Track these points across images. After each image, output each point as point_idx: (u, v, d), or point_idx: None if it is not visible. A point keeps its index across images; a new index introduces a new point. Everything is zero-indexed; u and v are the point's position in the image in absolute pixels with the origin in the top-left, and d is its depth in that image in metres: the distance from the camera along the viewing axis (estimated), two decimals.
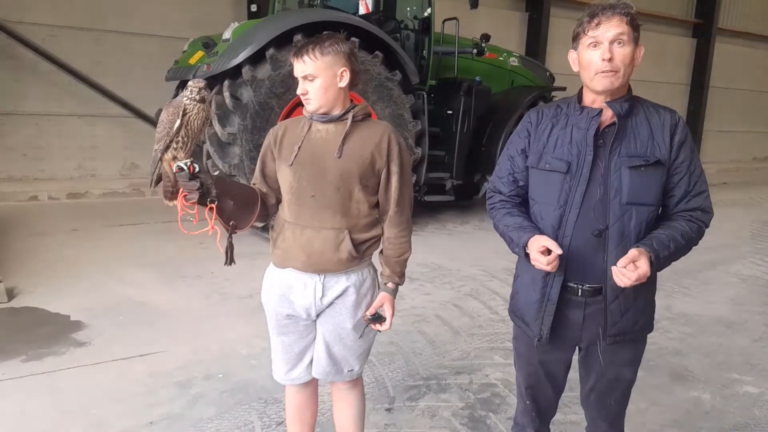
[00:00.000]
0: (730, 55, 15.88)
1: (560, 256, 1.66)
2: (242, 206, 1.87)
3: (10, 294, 4.14)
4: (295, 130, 1.95)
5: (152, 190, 8.79)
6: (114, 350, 3.39)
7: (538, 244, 1.65)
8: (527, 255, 1.70)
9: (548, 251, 1.63)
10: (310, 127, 1.92)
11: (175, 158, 1.66)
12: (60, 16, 7.72)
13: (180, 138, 1.64)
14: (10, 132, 7.65)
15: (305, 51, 1.81)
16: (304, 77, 1.83)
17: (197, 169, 1.67)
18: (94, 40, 7.99)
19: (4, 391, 2.91)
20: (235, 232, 1.85)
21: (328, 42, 1.83)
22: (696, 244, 1.73)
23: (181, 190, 1.66)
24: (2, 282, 4.14)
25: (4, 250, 5.21)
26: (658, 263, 1.60)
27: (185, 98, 1.65)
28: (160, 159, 1.67)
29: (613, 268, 1.58)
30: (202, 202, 1.69)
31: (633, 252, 1.58)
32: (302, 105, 1.96)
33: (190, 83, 1.67)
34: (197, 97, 1.64)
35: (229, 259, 1.88)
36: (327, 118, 1.89)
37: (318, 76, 1.82)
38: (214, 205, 1.72)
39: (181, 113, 1.63)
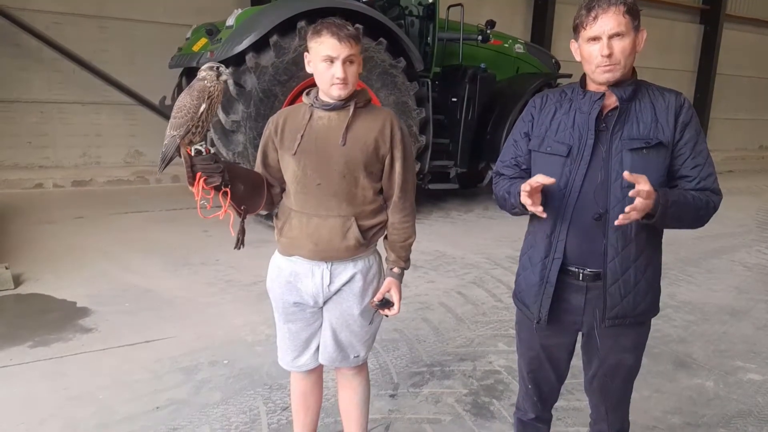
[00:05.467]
0: (737, 41, 15.73)
1: (560, 240, 1.68)
2: (251, 190, 1.89)
3: (17, 281, 4.17)
4: (296, 118, 1.93)
5: (157, 178, 8.78)
6: (120, 336, 3.42)
7: (532, 180, 1.61)
8: (523, 206, 1.67)
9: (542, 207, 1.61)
10: (311, 115, 1.90)
11: (191, 143, 1.66)
12: (63, 3, 7.70)
13: (200, 122, 1.64)
14: (15, 119, 7.66)
15: (347, 33, 1.78)
16: (347, 59, 1.79)
17: (212, 152, 1.68)
18: (98, 27, 7.98)
19: (12, 377, 2.94)
20: (246, 216, 1.88)
21: (352, 27, 1.82)
22: (703, 217, 1.68)
23: (199, 174, 1.66)
24: (9, 269, 4.16)
25: (11, 238, 5.25)
26: (665, 204, 1.55)
27: (206, 82, 1.64)
28: (179, 144, 1.66)
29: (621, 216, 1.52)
30: (216, 186, 1.70)
31: (641, 176, 1.50)
32: (304, 93, 1.96)
33: (206, 65, 1.67)
34: (218, 79, 1.65)
35: (240, 243, 1.92)
36: (330, 106, 1.88)
37: (356, 61, 1.82)
38: (228, 189, 1.73)
39: (206, 97, 1.63)
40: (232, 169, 1.79)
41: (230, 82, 5.47)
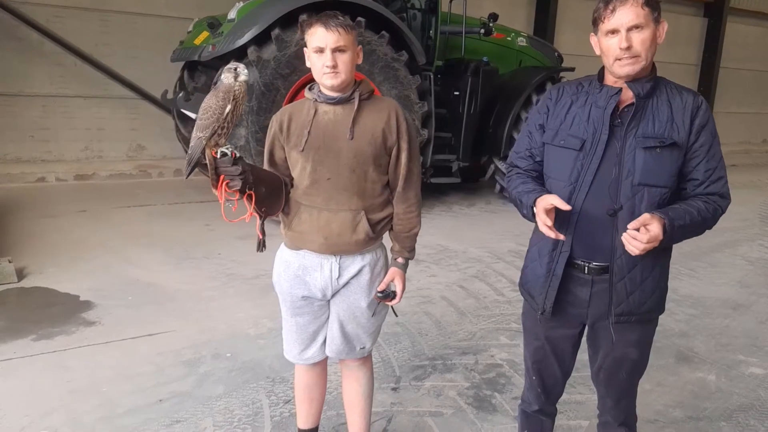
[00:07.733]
0: (741, 34, 15.62)
1: (568, 233, 1.67)
2: (272, 192, 1.90)
3: (20, 274, 4.18)
4: (300, 114, 1.93)
5: (159, 172, 8.70)
6: (123, 330, 3.43)
7: (545, 202, 1.63)
8: (535, 216, 1.69)
9: (556, 225, 1.62)
10: (316, 110, 1.90)
11: (217, 144, 1.66)
12: None
13: (226, 124, 1.64)
14: (17, 113, 7.65)
15: (336, 22, 1.79)
16: (337, 48, 1.79)
17: (238, 155, 1.68)
18: (99, 21, 7.95)
19: (16, 369, 2.95)
20: (266, 219, 1.90)
21: (345, 19, 1.83)
22: (710, 226, 1.70)
23: (222, 177, 1.66)
24: (12, 262, 4.17)
25: (14, 231, 5.26)
26: (671, 232, 1.56)
27: (233, 82, 1.65)
28: (205, 146, 1.66)
29: (624, 234, 1.55)
30: (242, 189, 1.70)
31: (645, 215, 1.55)
32: (305, 88, 1.96)
33: (227, 66, 1.67)
34: (244, 80, 1.65)
35: (262, 245, 1.94)
36: (335, 100, 1.87)
37: (348, 50, 1.81)
38: (252, 192, 1.74)
39: (231, 98, 1.63)
40: (257, 172, 1.79)
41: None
